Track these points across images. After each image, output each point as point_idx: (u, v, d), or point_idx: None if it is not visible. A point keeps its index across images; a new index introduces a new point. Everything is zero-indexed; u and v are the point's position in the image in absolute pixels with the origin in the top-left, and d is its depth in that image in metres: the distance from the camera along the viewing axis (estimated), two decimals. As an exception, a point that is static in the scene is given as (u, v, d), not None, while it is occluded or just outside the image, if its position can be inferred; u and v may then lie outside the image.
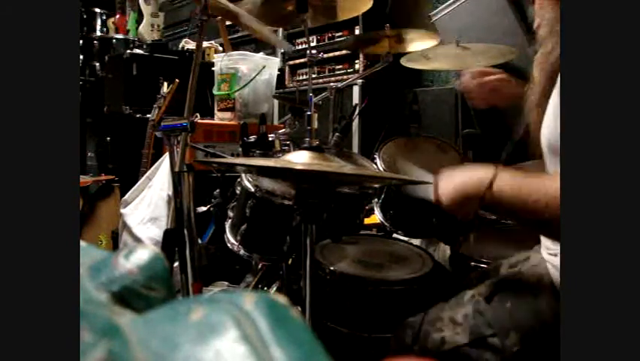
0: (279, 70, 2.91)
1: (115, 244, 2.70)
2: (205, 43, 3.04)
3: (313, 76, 2.71)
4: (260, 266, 1.80)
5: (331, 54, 2.78)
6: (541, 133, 1.01)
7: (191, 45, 3.31)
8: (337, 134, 1.74)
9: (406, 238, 1.63)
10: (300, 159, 0.89)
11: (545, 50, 1.04)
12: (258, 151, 1.66)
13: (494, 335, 1.00)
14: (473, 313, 1.05)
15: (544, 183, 0.87)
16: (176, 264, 1.57)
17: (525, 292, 1.03)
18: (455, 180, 0.99)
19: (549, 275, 1.01)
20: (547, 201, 0.84)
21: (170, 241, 1.55)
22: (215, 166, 1.88)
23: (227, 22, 3.12)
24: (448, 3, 2.50)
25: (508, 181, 0.91)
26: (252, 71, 2.63)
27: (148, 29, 4.11)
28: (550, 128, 0.98)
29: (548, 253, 1.04)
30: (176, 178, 1.50)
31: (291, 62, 3.04)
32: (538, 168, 1.07)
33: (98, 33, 4.07)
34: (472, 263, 1.41)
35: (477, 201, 0.94)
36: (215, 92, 2.73)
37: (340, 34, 2.81)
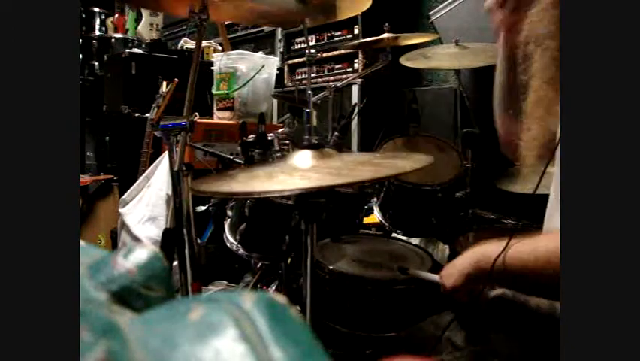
0: (278, 69, 2.91)
1: (114, 243, 2.69)
2: (204, 43, 3.04)
3: (312, 75, 2.71)
4: (259, 265, 1.80)
5: (330, 53, 2.78)
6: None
7: (190, 44, 3.31)
8: (336, 133, 1.74)
9: (405, 238, 1.63)
10: (303, 161, 0.88)
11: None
12: (257, 150, 1.66)
13: None
14: (476, 337, 0.98)
15: (544, 241, 0.84)
16: (175, 263, 1.57)
17: (534, 318, 0.95)
18: (456, 266, 0.98)
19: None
20: (548, 255, 0.81)
21: (169, 241, 1.55)
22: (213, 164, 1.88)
23: (227, 22, 3.12)
24: (447, 2, 2.50)
25: (514, 249, 0.88)
26: (251, 71, 2.63)
27: (147, 28, 4.10)
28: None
29: None
30: (175, 177, 1.49)
31: (290, 62, 3.04)
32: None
33: (97, 32, 4.07)
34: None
35: (482, 278, 0.91)
36: (214, 91, 2.73)
37: (339, 33, 2.81)
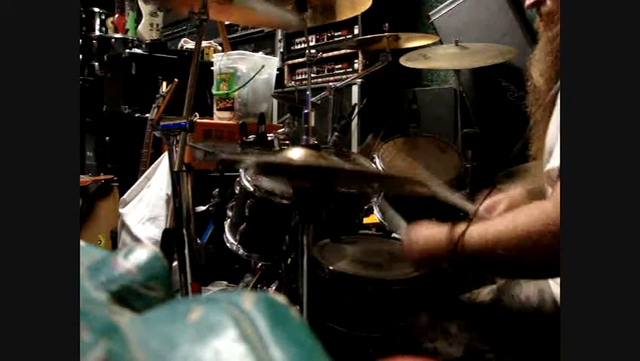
0: (278, 69, 2.91)
1: (114, 243, 2.69)
2: (204, 43, 3.04)
3: (312, 75, 2.71)
4: (259, 266, 1.80)
5: (330, 54, 2.78)
6: (546, 138, 1.00)
7: (190, 45, 3.31)
8: (336, 133, 1.74)
9: (405, 238, 1.63)
10: (297, 156, 0.89)
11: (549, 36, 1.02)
12: (257, 151, 1.66)
13: (491, 351, 0.95)
14: (468, 325, 0.99)
15: (511, 217, 0.85)
16: (174, 263, 1.57)
17: (525, 307, 0.97)
18: (419, 241, 0.99)
19: (550, 289, 0.97)
20: (518, 228, 0.81)
21: (169, 241, 1.55)
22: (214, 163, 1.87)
23: (227, 22, 3.12)
24: (447, 2, 2.50)
25: (474, 231, 0.88)
26: (251, 71, 2.63)
27: (147, 29, 4.10)
28: (552, 135, 0.95)
29: None
30: (175, 178, 1.50)
31: (290, 62, 3.04)
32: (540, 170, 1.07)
33: (97, 33, 4.07)
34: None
35: (443, 258, 0.93)
36: (214, 91, 2.73)
37: (339, 33, 2.81)
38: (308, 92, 1.66)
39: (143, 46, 3.26)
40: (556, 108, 0.95)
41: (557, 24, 1.00)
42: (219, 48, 3.20)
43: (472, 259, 0.89)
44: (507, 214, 0.89)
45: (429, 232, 0.97)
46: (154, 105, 2.42)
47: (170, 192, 2.11)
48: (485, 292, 1.06)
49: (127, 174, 2.78)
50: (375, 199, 1.34)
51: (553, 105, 0.97)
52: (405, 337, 1.05)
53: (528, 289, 1.01)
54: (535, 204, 0.86)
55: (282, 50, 3.11)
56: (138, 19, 4.17)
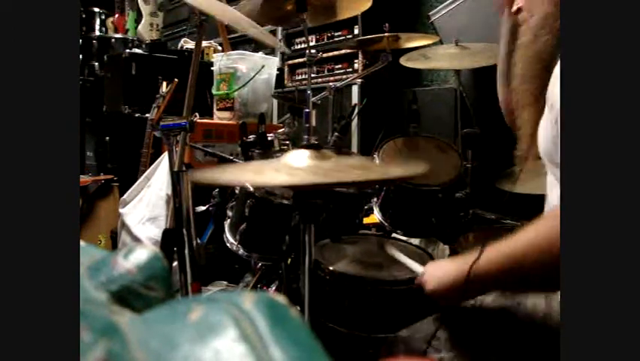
0: (278, 69, 2.91)
1: (114, 243, 2.69)
2: (204, 43, 3.04)
3: (312, 75, 2.71)
4: (259, 266, 1.80)
5: (330, 54, 2.78)
6: (538, 139, 0.99)
7: (190, 45, 3.31)
8: (336, 133, 1.74)
9: (405, 238, 1.63)
10: (299, 159, 0.88)
11: (528, 38, 1.03)
12: (257, 151, 1.66)
13: None
14: (475, 336, 0.97)
15: (526, 234, 0.84)
16: (175, 263, 1.57)
17: (532, 315, 0.96)
18: (441, 271, 1.00)
19: (557, 295, 0.95)
20: (538, 243, 0.81)
21: (169, 241, 1.55)
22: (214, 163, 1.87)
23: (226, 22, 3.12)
24: (447, 2, 2.50)
25: (488, 253, 0.89)
26: (251, 71, 2.63)
27: (147, 29, 4.11)
28: (545, 136, 0.95)
29: None
30: (175, 178, 1.50)
31: (290, 62, 3.04)
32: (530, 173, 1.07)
33: (97, 33, 4.07)
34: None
35: (462, 286, 0.92)
36: (214, 91, 2.73)
37: (339, 33, 2.81)
38: (309, 91, 1.66)
39: (143, 46, 3.26)
40: (546, 109, 0.95)
41: (528, 34, 1.04)
42: (219, 48, 3.20)
43: (488, 282, 0.91)
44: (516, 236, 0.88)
45: (442, 274, 0.99)
46: (154, 105, 2.42)
47: (170, 192, 2.11)
48: (489, 299, 1.03)
49: (127, 174, 2.78)
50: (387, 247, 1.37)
51: (538, 103, 0.97)
52: (408, 345, 1.03)
53: (534, 296, 0.99)
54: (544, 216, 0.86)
55: (281, 50, 3.11)
56: (138, 19, 4.17)
